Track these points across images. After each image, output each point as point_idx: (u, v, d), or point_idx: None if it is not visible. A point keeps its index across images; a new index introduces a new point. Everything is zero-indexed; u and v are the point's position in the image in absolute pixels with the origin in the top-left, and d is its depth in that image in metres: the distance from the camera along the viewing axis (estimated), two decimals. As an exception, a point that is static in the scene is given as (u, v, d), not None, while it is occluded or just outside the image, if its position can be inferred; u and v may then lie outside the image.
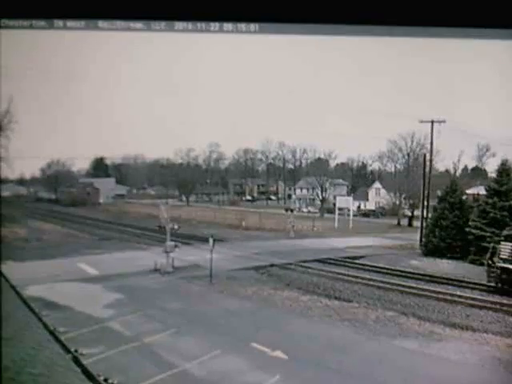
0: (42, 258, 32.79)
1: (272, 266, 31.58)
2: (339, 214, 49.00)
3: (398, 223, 49.30)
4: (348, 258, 33.91)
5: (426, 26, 5.01)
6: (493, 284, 25.27)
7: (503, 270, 24.77)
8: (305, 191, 61.35)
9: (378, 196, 54.94)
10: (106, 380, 13.98)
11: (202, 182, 67.63)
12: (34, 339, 10.23)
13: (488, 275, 25.72)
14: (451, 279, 27.50)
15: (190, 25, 5.26)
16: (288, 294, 25.22)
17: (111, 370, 14.98)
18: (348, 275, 29.16)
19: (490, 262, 25.69)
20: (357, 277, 28.68)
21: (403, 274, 29.39)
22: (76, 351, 15.73)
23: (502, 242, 25.96)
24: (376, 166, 64.52)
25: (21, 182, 66.35)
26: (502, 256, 25.35)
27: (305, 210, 57.05)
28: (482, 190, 41.38)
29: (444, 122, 36.72)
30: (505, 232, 26.70)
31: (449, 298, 24.38)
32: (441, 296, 24.63)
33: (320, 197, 56.70)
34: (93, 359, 15.67)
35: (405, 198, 49.05)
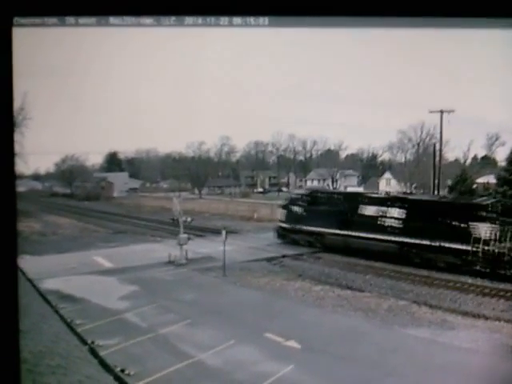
0: (58, 251, 33.25)
1: (284, 256, 31.79)
2: (350, 205, 48.98)
3: (409, 212, 49.15)
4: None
5: (435, 16, 5.06)
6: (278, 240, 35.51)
7: (280, 227, 35.88)
8: (316, 182, 61.33)
9: (388, 186, 54.64)
10: (122, 371, 14.23)
11: (214, 174, 67.84)
12: (52, 331, 10.36)
13: (276, 233, 36.11)
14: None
15: (199, 19, 5.33)
16: (300, 284, 25.37)
17: (128, 361, 15.23)
18: (360, 264, 29.38)
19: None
20: (368, 266, 28.88)
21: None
22: (93, 343, 16.00)
23: (280, 209, 37.22)
24: (386, 156, 64.49)
25: (36, 177, 67.13)
26: (280, 218, 36.52)
27: (315, 200, 57.00)
28: (492, 179, 41.29)
29: (453, 111, 36.56)
30: (280, 203, 38.75)
31: (460, 286, 24.55)
32: (452, 284, 24.79)
33: (331, 187, 56.66)
34: (109, 350, 15.90)
35: (415, 188, 48.80)
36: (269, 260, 30.90)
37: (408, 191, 47.53)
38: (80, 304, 21.52)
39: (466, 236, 26.39)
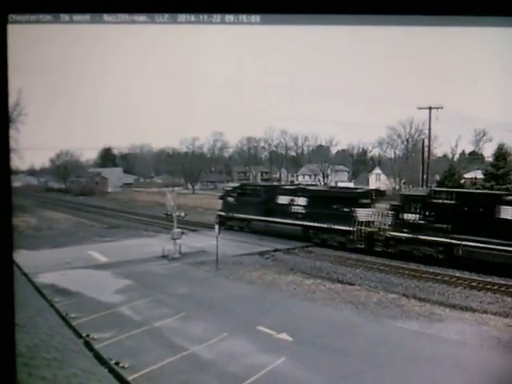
0: (54, 246, 33.40)
1: (276, 250, 32.11)
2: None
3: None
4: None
5: (424, 14, 5.20)
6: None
7: (218, 215, 39.44)
8: (307, 177, 61.50)
9: (378, 181, 54.91)
10: (117, 364, 14.30)
11: (207, 170, 68.06)
12: (47, 325, 10.41)
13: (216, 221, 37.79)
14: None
15: (192, 17, 5.46)
16: (292, 278, 25.66)
17: (122, 353, 15.33)
18: (350, 258, 29.74)
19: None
20: (358, 260, 29.29)
21: None
22: (88, 336, 16.17)
23: (219, 200, 41.94)
24: (376, 152, 64.88)
25: (31, 172, 67.12)
26: (220, 208, 40.92)
27: (307, 195, 57.54)
28: (479, 174, 41.85)
29: (441, 108, 36.79)
30: (221, 195, 42.63)
31: (448, 279, 24.91)
32: (440, 278, 25.17)
33: (322, 183, 56.87)
34: (104, 344, 16.02)
35: (404, 183, 49.10)
36: (261, 254, 31.25)
37: (397, 187, 48.37)
38: (75, 298, 21.64)
39: (348, 219, 31.50)
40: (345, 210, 32.14)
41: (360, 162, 65.11)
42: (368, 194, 33.33)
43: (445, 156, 54.17)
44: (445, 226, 27.55)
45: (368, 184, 54.95)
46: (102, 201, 60.87)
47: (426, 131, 40.00)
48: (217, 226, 29.09)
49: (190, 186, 64.04)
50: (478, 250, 25.84)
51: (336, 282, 24.80)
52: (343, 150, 66.22)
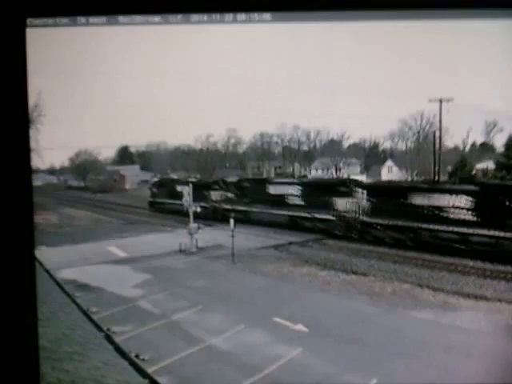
0: (74, 242, 33.84)
1: (290, 243, 32.31)
2: (353, 192, 49.42)
3: (411, 198, 49.26)
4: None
5: (432, 8, 5.30)
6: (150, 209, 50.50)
7: (149, 201, 50.82)
8: (320, 171, 61.24)
9: (390, 173, 54.45)
10: (137, 356, 14.60)
11: (222, 165, 68.11)
12: (69, 320, 10.71)
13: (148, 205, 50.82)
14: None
15: (205, 16, 5.59)
16: (307, 269, 25.73)
17: (142, 346, 15.61)
18: (364, 250, 29.80)
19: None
20: (372, 251, 29.33)
21: None
22: (108, 330, 16.56)
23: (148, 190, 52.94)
24: (388, 144, 64.28)
25: (51, 171, 67.73)
26: (149, 195, 51.78)
27: (319, 189, 57.44)
28: (491, 165, 41.47)
29: (452, 99, 36.46)
30: (149, 186, 54.27)
31: (462, 269, 24.90)
32: (453, 267, 25.17)
33: (334, 176, 56.67)
34: (124, 337, 16.35)
35: (417, 175, 48.77)
36: (276, 247, 31.35)
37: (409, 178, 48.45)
38: (95, 293, 21.97)
39: (206, 198, 43.19)
40: (205, 193, 43.95)
41: (372, 155, 64.51)
42: (216, 182, 46.33)
43: (456, 147, 53.65)
44: (245, 199, 40.63)
45: (380, 176, 54.68)
46: (120, 197, 61.20)
47: (437, 123, 39.65)
48: (232, 221, 29.37)
49: (205, 182, 64.48)
50: (261, 214, 38.08)
51: (350, 273, 24.86)
52: (355, 144, 65.71)
